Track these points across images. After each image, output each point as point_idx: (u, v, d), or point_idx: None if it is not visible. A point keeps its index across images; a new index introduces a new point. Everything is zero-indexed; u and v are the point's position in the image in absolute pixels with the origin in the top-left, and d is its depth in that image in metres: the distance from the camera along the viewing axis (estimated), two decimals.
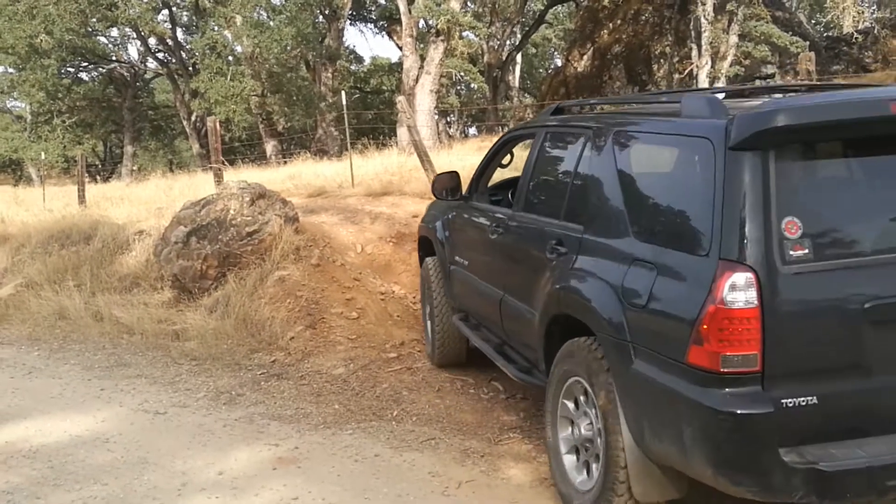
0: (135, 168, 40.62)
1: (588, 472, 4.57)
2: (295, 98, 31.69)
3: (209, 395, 7.39)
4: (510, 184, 6.70)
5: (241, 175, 15.65)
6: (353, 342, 8.38)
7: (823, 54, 27.91)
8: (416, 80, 26.30)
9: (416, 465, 5.72)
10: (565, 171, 5.39)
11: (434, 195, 7.45)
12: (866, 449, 3.52)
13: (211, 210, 10.08)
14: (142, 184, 22.59)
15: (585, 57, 32.63)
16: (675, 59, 28.21)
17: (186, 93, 34.30)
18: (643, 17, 30.39)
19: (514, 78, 42.85)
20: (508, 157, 7.00)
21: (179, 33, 37.36)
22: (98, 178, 38.94)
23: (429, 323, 7.92)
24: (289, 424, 6.58)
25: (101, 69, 41.46)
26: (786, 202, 3.52)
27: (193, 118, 35.37)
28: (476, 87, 32.60)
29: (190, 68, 34.58)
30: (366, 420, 6.66)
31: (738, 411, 3.45)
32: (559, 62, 47.78)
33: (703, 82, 23.83)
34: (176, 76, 36.61)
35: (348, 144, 18.21)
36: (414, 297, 9.46)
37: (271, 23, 30.26)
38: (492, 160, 6.97)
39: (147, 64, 42.58)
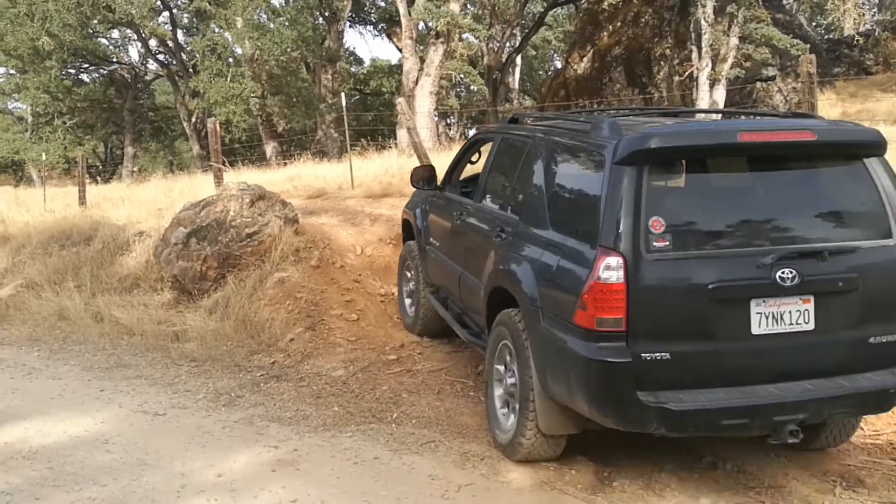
0: (135, 169, 40.59)
1: (511, 414, 5.77)
2: (295, 100, 31.68)
3: (208, 396, 7.39)
4: (477, 178, 7.62)
5: (241, 176, 15.63)
6: (352, 344, 8.38)
7: (824, 56, 27.94)
8: (416, 82, 26.32)
9: (416, 468, 5.72)
10: (510, 171, 6.59)
11: (412, 185, 8.43)
12: (707, 396, 4.71)
13: (211, 211, 10.08)
14: (142, 185, 22.54)
15: (585, 59, 32.63)
16: (676, 62, 28.21)
17: (187, 94, 34.32)
18: (643, 20, 30.39)
19: (514, 80, 42.84)
20: (477, 154, 8.05)
21: (180, 35, 37.38)
22: (99, 179, 38.91)
23: (406, 298, 8.98)
24: (288, 426, 6.58)
25: (101, 71, 41.51)
26: (653, 205, 4.69)
27: (194, 119, 35.39)
28: (476, 89, 32.63)
29: (190, 70, 34.57)
30: (365, 422, 6.66)
31: (606, 360, 4.67)
32: (559, 64, 47.82)
33: (704, 84, 23.84)
34: (176, 77, 36.64)
35: (348, 146, 18.24)
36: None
37: (272, 25, 30.26)
38: (462, 157, 8.11)
39: (148, 65, 42.62)
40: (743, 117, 5.76)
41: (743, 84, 24.97)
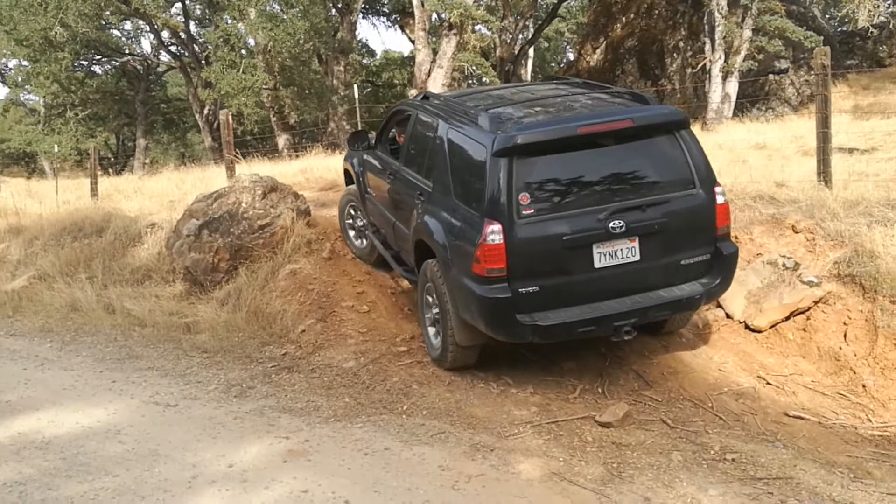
0: (147, 161, 40.63)
1: (438, 337, 7.56)
2: (307, 91, 31.62)
3: (220, 387, 7.42)
4: (391, 138, 9.48)
5: (253, 168, 15.67)
6: (363, 336, 8.40)
7: (837, 49, 27.78)
8: (429, 74, 26.22)
9: (426, 459, 5.74)
10: (424, 143, 8.02)
11: (350, 147, 10.23)
12: (566, 313, 6.55)
13: (223, 203, 10.11)
14: (154, 177, 22.59)
15: (598, 51, 32.53)
16: (689, 54, 28.10)
17: (199, 86, 34.27)
18: (656, 11, 30.27)
19: (527, 72, 42.71)
20: (397, 125, 9.41)
21: (192, 26, 37.36)
22: (110, 170, 38.90)
23: (350, 230, 10.42)
24: (299, 417, 6.61)
25: (114, 62, 41.42)
26: (521, 185, 6.42)
27: (206, 111, 35.36)
28: (488, 80, 32.54)
29: (203, 61, 34.56)
30: (376, 413, 6.68)
31: (494, 296, 6.44)
32: (572, 56, 47.60)
33: (716, 77, 23.73)
34: (189, 69, 36.58)
35: None
36: None
37: (285, 16, 30.21)
38: (388, 123, 9.57)
39: (160, 57, 42.55)
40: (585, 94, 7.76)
41: (756, 76, 24.85)
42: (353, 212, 10.31)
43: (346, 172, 10.71)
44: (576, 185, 6.60)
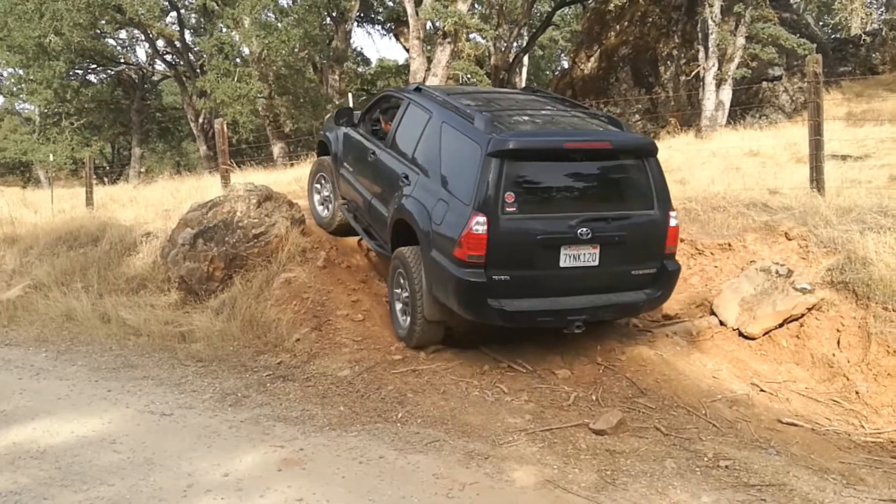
0: (142, 170, 40.64)
1: (405, 316, 8.28)
2: (302, 100, 31.71)
3: (215, 396, 7.43)
4: (377, 119, 10.09)
5: (248, 177, 15.66)
6: (358, 344, 8.40)
7: (831, 56, 27.88)
8: (423, 82, 26.29)
9: (421, 467, 5.75)
10: (415, 131, 8.55)
11: (336, 123, 10.51)
12: (529, 302, 7.29)
13: (218, 212, 10.12)
14: (149, 186, 22.58)
15: (592, 59, 32.61)
16: (682, 61, 28.18)
17: (194, 94, 34.32)
18: (650, 20, 30.37)
19: (521, 80, 42.80)
20: (384, 108, 10.04)
21: (187, 35, 37.40)
22: (106, 179, 38.83)
23: (318, 204, 11.21)
24: (294, 426, 6.61)
25: (109, 71, 41.50)
26: (508, 184, 7.06)
27: (201, 120, 35.39)
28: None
29: (197, 70, 34.59)
30: (371, 422, 6.69)
31: (470, 280, 7.10)
32: (566, 64, 47.79)
33: (710, 84, 23.82)
34: (184, 78, 36.63)
35: None
36: None
37: (279, 24, 30.26)
38: (374, 105, 10.18)
39: (155, 66, 42.62)
40: (577, 112, 8.66)
41: (749, 84, 24.92)
42: (321, 181, 11.11)
43: (322, 144, 11.34)
44: (554, 192, 7.45)
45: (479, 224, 6.98)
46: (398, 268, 8.25)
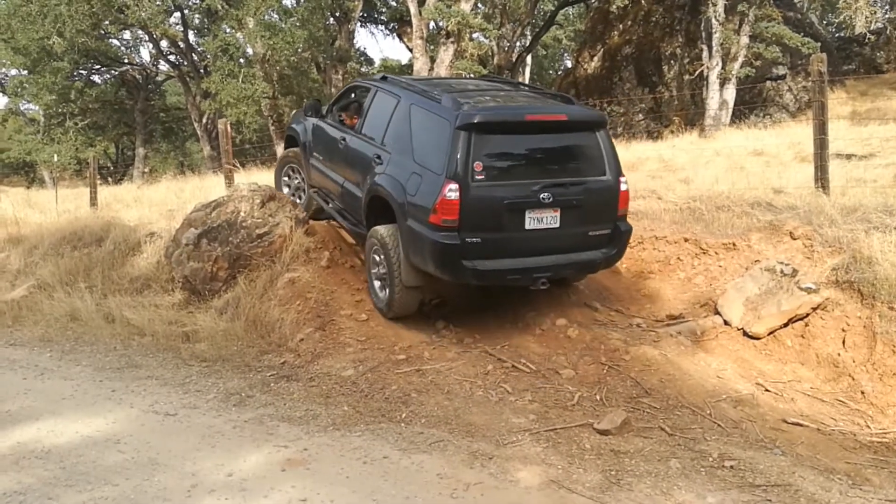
0: (146, 170, 40.67)
1: (384, 290, 8.80)
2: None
3: (219, 396, 7.43)
4: (345, 109, 10.76)
5: (252, 177, 15.69)
6: (362, 344, 8.39)
7: (835, 55, 27.83)
8: None
9: (425, 467, 5.75)
10: (384, 116, 9.14)
11: (304, 114, 11.30)
12: (499, 262, 7.94)
13: (222, 212, 10.12)
14: (153, 186, 22.65)
15: (596, 58, 32.60)
16: (686, 61, 28.15)
17: (198, 95, 34.34)
18: (654, 19, 30.34)
19: (524, 79, 42.70)
20: (353, 97, 10.79)
21: (191, 36, 37.43)
22: (110, 180, 39.01)
23: (285, 189, 11.79)
24: (298, 426, 6.61)
25: (113, 72, 41.56)
26: (476, 154, 7.67)
27: (205, 120, 35.41)
28: None
29: (201, 71, 34.62)
30: (374, 422, 6.69)
31: (445, 242, 7.68)
32: (569, 63, 47.75)
33: (714, 83, 23.79)
34: (187, 78, 36.67)
35: None
36: (423, 299, 9.49)
37: (283, 25, 30.27)
38: (342, 96, 11.02)
39: (159, 66, 42.65)
40: (528, 94, 9.48)
41: (753, 83, 24.89)
42: (290, 173, 11.76)
43: (290, 137, 11.93)
44: (517, 161, 8.12)
45: (451, 191, 7.59)
46: (375, 244, 8.76)
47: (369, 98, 9.77)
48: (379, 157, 8.87)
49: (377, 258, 8.81)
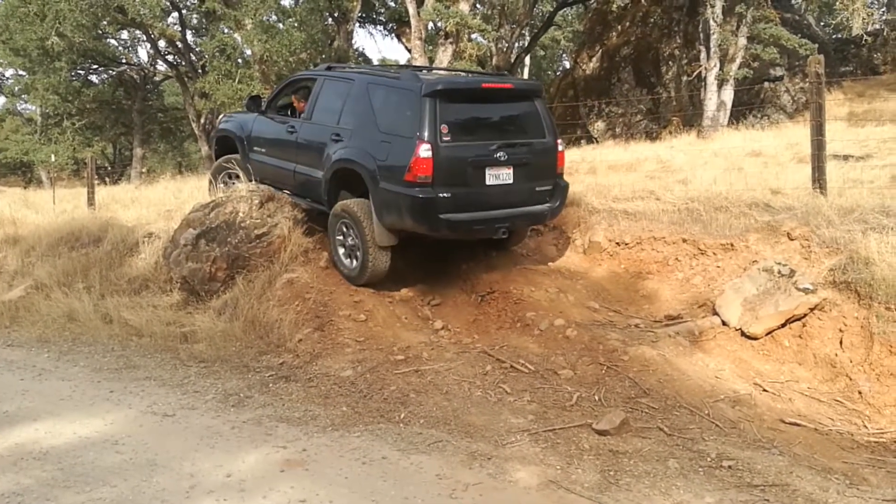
0: (144, 170, 40.65)
1: (351, 260, 9.53)
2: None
3: (217, 397, 7.43)
4: (281, 105, 11.54)
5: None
6: (360, 344, 8.40)
7: (832, 56, 27.84)
8: None
9: (424, 468, 5.75)
10: (337, 99, 9.99)
11: (247, 109, 11.72)
12: (467, 215, 8.84)
13: (220, 213, 10.13)
14: (151, 186, 22.60)
15: (594, 59, 32.60)
16: (684, 62, 28.14)
17: (195, 95, 34.30)
18: (652, 20, 30.33)
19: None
20: (294, 91, 11.44)
21: (189, 36, 37.38)
22: (107, 180, 39.00)
23: (222, 185, 12.07)
24: (297, 426, 6.62)
25: (111, 72, 41.48)
26: (442, 118, 8.60)
27: (203, 120, 35.37)
28: None
29: (199, 71, 34.58)
30: (373, 422, 6.69)
31: (421, 196, 8.52)
32: (568, 64, 47.73)
33: (712, 84, 23.76)
34: (185, 79, 36.60)
35: None
36: (422, 300, 9.50)
37: (281, 26, 30.23)
38: (282, 90, 11.60)
39: (157, 66, 42.59)
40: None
41: (751, 84, 24.89)
42: (226, 180, 12.03)
43: (221, 139, 12.45)
44: (477, 124, 9.25)
45: (425, 150, 8.49)
46: (342, 217, 9.49)
47: (316, 87, 10.58)
48: (338, 135, 9.64)
49: (344, 229, 9.54)
